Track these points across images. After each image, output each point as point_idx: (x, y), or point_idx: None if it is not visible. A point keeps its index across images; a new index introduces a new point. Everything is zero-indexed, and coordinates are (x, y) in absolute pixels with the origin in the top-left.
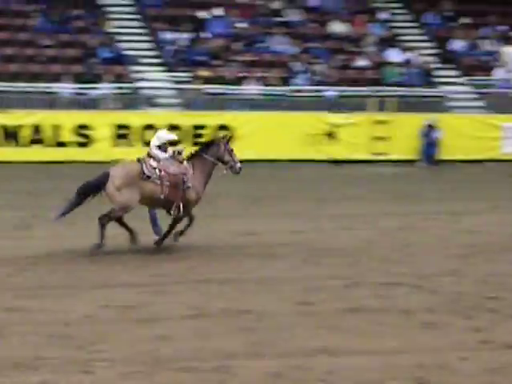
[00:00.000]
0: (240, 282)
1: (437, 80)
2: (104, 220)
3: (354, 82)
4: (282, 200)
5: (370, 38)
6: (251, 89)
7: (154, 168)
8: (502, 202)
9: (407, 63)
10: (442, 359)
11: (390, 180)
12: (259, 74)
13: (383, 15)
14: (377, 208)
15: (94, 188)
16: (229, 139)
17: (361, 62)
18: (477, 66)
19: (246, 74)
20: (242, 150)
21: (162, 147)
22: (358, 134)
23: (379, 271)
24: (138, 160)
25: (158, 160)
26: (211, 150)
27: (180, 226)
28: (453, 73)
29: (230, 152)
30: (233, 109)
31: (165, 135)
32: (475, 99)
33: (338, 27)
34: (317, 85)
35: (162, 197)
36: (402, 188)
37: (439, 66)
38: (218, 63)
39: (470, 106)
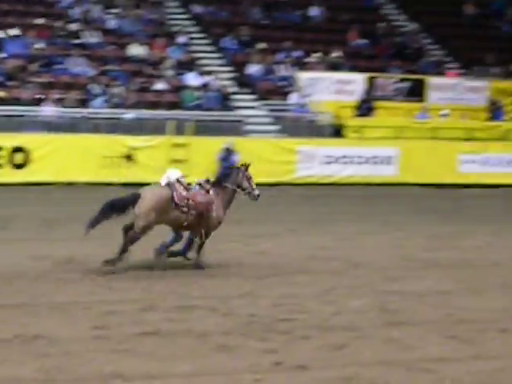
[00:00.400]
0: (33, 306)
1: (234, 104)
2: (132, 242)
3: (153, 105)
4: (79, 223)
5: (169, 62)
6: (48, 110)
7: (184, 198)
8: (298, 225)
9: (205, 87)
10: (236, 381)
11: None
12: (57, 96)
13: (182, 39)
14: None
15: (121, 206)
16: (247, 166)
17: (159, 85)
18: (273, 91)
19: (43, 96)
20: (38, 172)
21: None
22: (157, 157)
23: (175, 294)
24: (168, 185)
25: (187, 189)
26: (231, 178)
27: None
28: (249, 97)
29: (249, 179)
30: (29, 130)
31: (174, 174)
32: (271, 123)
33: (136, 50)
34: (115, 107)
35: (186, 224)
36: None
37: (236, 90)
38: (14, 84)
39: (266, 130)
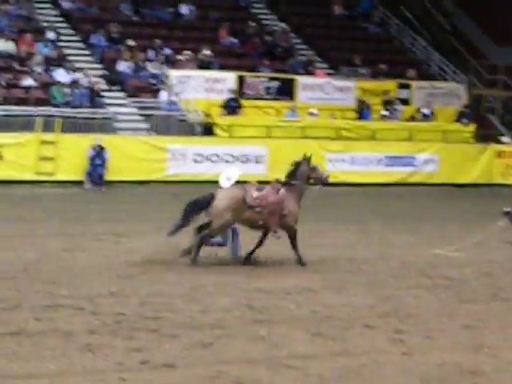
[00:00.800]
0: None
1: (104, 101)
2: (205, 239)
3: (21, 102)
4: None
5: (37, 58)
6: None
7: (256, 198)
8: (167, 223)
9: (74, 84)
10: (101, 381)
11: (56, 201)
12: None
13: (50, 35)
14: (42, 229)
15: (200, 206)
16: (309, 158)
17: (27, 82)
18: (143, 88)
19: None
20: None
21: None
22: (25, 154)
23: (41, 293)
24: (242, 187)
25: (259, 190)
26: (298, 174)
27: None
28: (119, 94)
29: (314, 169)
30: None
31: (234, 175)
32: (141, 121)
33: (3, 45)
34: None
35: (261, 223)
36: (69, 209)
37: (106, 87)
38: None
39: (137, 128)
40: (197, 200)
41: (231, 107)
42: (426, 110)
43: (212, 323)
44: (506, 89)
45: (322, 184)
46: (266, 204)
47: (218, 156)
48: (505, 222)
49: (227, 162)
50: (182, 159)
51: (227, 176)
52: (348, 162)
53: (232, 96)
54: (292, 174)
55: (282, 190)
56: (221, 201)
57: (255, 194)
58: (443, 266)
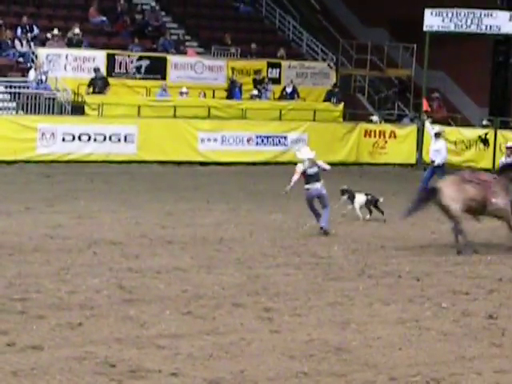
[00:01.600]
0: None
1: None
2: (457, 229)
3: None
4: None
5: None
6: None
7: (471, 175)
8: (35, 203)
9: None
10: None
11: None
12: None
13: None
14: None
15: (428, 198)
16: None
17: None
18: (10, 67)
19: None
20: None
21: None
22: None
23: None
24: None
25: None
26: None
27: None
28: None
29: None
30: None
31: (309, 153)
32: (9, 100)
33: None
34: None
35: (479, 198)
36: None
37: None
38: None
39: (4, 107)
40: (426, 192)
41: (98, 86)
42: (289, 89)
43: (81, 304)
44: (373, 68)
45: None
46: (482, 179)
47: (87, 135)
48: (343, 200)
49: (96, 141)
50: (51, 139)
51: (306, 151)
52: (219, 142)
53: (98, 75)
54: (509, 171)
55: (490, 177)
56: (447, 188)
57: (470, 174)
58: (312, 244)
